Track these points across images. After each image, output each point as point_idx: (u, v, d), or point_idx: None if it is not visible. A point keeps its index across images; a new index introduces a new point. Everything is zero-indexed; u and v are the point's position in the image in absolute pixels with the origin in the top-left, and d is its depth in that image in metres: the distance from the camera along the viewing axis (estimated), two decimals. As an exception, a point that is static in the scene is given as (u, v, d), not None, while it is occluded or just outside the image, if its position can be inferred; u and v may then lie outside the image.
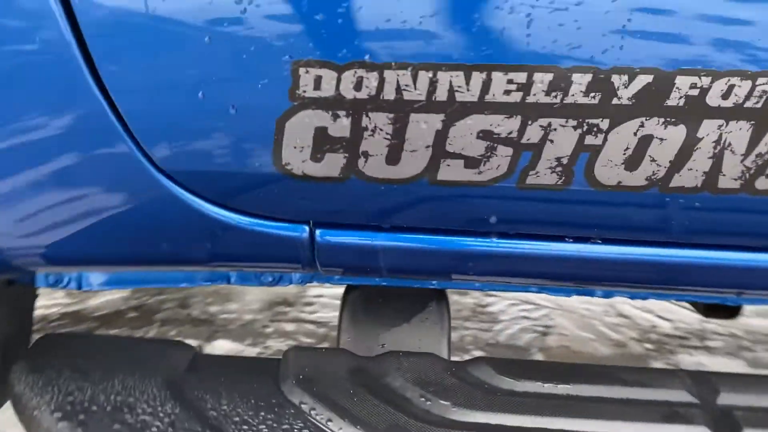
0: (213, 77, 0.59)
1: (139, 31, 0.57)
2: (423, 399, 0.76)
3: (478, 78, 0.57)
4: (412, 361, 0.82)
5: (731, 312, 1.35)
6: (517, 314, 2.53)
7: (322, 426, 0.71)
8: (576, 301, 2.50)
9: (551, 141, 0.61)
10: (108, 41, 0.58)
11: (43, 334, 0.83)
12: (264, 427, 0.71)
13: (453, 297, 2.62)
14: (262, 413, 0.73)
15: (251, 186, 0.67)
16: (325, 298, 2.53)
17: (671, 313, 2.46)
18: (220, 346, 2.22)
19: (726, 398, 0.78)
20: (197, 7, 0.55)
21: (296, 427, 0.71)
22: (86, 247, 0.73)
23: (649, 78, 0.57)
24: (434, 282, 0.83)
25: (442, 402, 0.75)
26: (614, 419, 0.74)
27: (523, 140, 0.61)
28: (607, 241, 0.71)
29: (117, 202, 0.68)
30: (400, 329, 0.91)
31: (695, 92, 0.58)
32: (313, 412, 0.73)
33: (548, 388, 0.79)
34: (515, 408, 0.75)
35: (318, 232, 0.72)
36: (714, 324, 2.48)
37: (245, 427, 0.71)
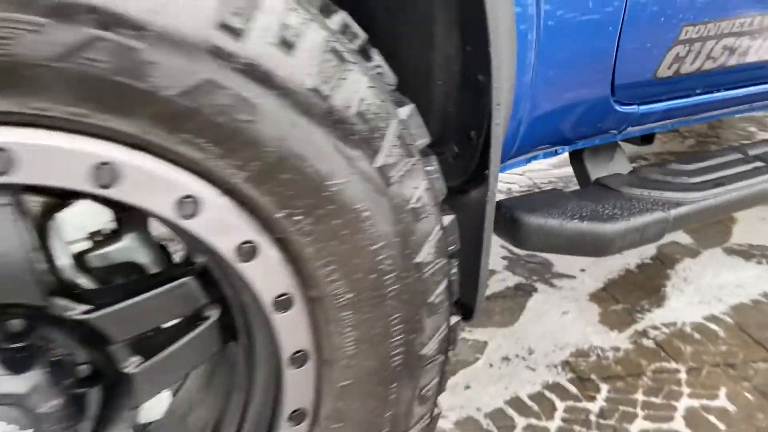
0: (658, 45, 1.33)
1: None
2: (673, 177, 1.61)
3: (732, 21, 1.43)
4: (642, 170, 1.66)
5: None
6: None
7: (657, 191, 1.51)
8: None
9: (742, 45, 1.50)
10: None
11: (499, 200, 1.43)
12: (635, 205, 1.48)
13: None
14: (622, 201, 1.50)
15: (633, 88, 1.42)
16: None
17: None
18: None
19: (751, 151, 1.80)
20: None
21: (644, 198, 1.50)
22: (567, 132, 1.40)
23: (775, 14, 1.50)
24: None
25: (683, 177, 1.61)
26: (733, 168, 1.70)
27: (734, 46, 1.49)
28: (743, 87, 1.64)
29: (591, 112, 1.37)
30: (612, 162, 1.73)
31: (785, 18, 1.52)
32: (645, 193, 1.52)
33: (700, 165, 1.71)
34: (705, 173, 1.65)
35: (641, 107, 1.49)
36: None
37: (645, 193, 1.48)
